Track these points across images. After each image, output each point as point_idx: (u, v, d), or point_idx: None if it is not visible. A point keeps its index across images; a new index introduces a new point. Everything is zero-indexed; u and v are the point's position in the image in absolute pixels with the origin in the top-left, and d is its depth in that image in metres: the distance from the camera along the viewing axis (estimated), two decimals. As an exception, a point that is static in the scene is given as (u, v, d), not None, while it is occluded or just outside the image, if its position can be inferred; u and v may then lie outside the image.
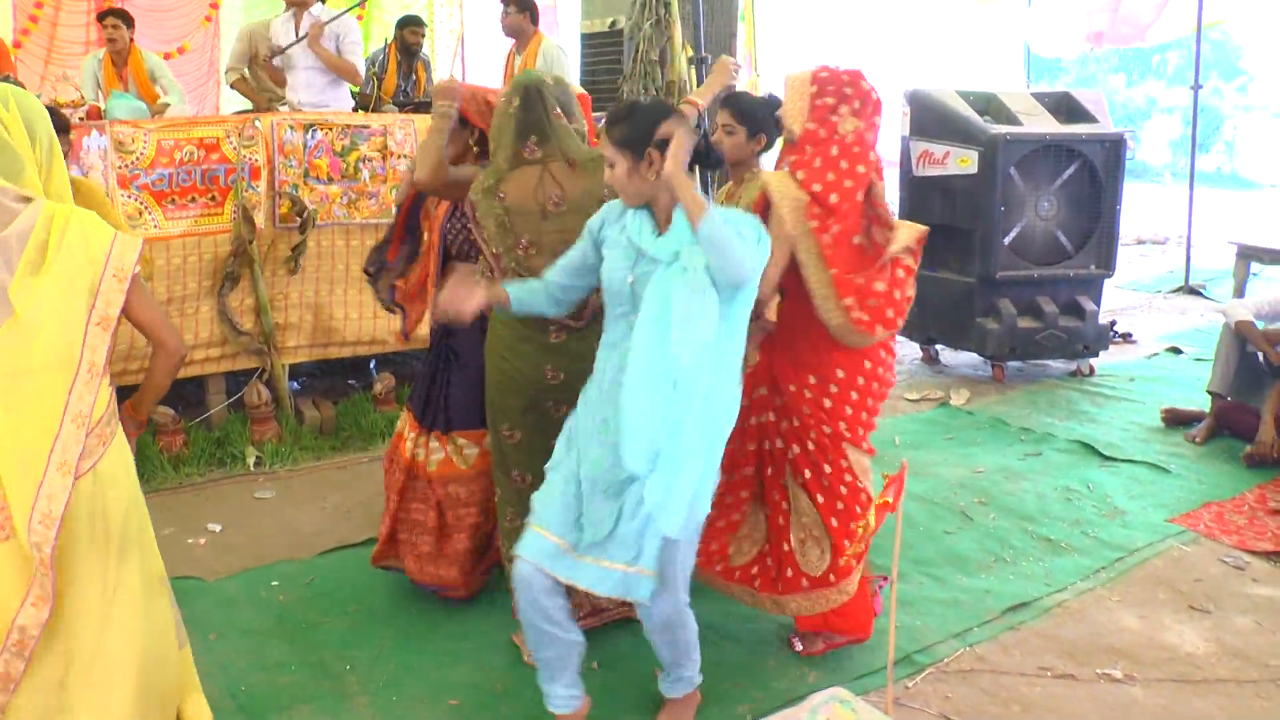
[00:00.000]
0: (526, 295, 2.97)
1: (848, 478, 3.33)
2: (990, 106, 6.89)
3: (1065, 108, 7.01)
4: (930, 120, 6.91)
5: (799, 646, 3.48)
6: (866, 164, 3.23)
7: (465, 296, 2.87)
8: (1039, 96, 7.13)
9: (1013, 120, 6.71)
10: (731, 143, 3.55)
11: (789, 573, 3.36)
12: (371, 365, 6.57)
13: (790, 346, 3.35)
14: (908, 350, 7.59)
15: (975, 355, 7.05)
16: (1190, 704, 3.22)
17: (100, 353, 2.33)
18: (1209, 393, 5.68)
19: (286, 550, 4.28)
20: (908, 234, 3.28)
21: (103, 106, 5.29)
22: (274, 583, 3.98)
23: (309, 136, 5.27)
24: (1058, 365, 7.10)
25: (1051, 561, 4.19)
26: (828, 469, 3.32)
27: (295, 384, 6.02)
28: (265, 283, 5.34)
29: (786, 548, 3.37)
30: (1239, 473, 5.13)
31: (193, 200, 5.06)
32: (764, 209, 3.30)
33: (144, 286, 2.47)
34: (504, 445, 3.38)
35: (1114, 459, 5.35)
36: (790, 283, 3.28)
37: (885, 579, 3.96)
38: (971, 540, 4.37)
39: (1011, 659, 3.48)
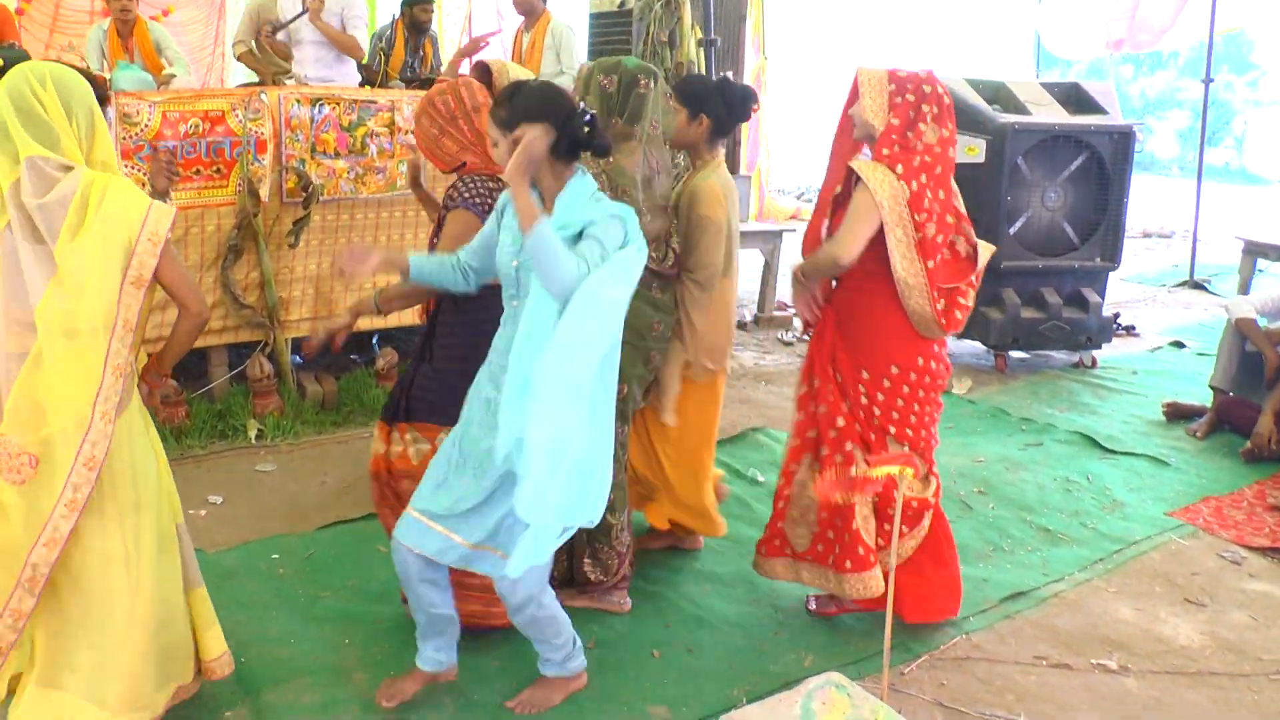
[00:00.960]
0: (430, 267, 2.99)
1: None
2: (999, 95, 6.86)
3: (1074, 98, 6.99)
4: (939, 108, 6.87)
5: (813, 605, 3.61)
6: (946, 185, 3.28)
7: (362, 257, 2.91)
8: (1048, 86, 7.11)
9: (1021, 110, 6.69)
10: (673, 124, 3.60)
11: (860, 550, 3.38)
12: (374, 340, 6.57)
13: (849, 336, 3.41)
14: (910, 338, 7.59)
15: (978, 344, 7.05)
16: (1183, 696, 3.24)
17: (134, 310, 2.54)
18: (1211, 387, 5.68)
19: (287, 524, 4.29)
20: (986, 252, 3.40)
21: (108, 77, 5.28)
22: (274, 555, 3.99)
23: (316, 111, 5.25)
24: (1060, 356, 7.10)
25: (1049, 552, 4.20)
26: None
27: (297, 358, 6.02)
28: (270, 257, 5.34)
29: (855, 524, 3.39)
30: (1239, 468, 5.14)
31: (197, 173, 5.05)
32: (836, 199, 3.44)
33: (174, 252, 2.63)
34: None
35: (1114, 451, 5.36)
36: (859, 269, 3.30)
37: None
38: (970, 529, 4.38)
39: (1007, 647, 3.49)
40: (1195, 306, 9.02)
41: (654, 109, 3.34)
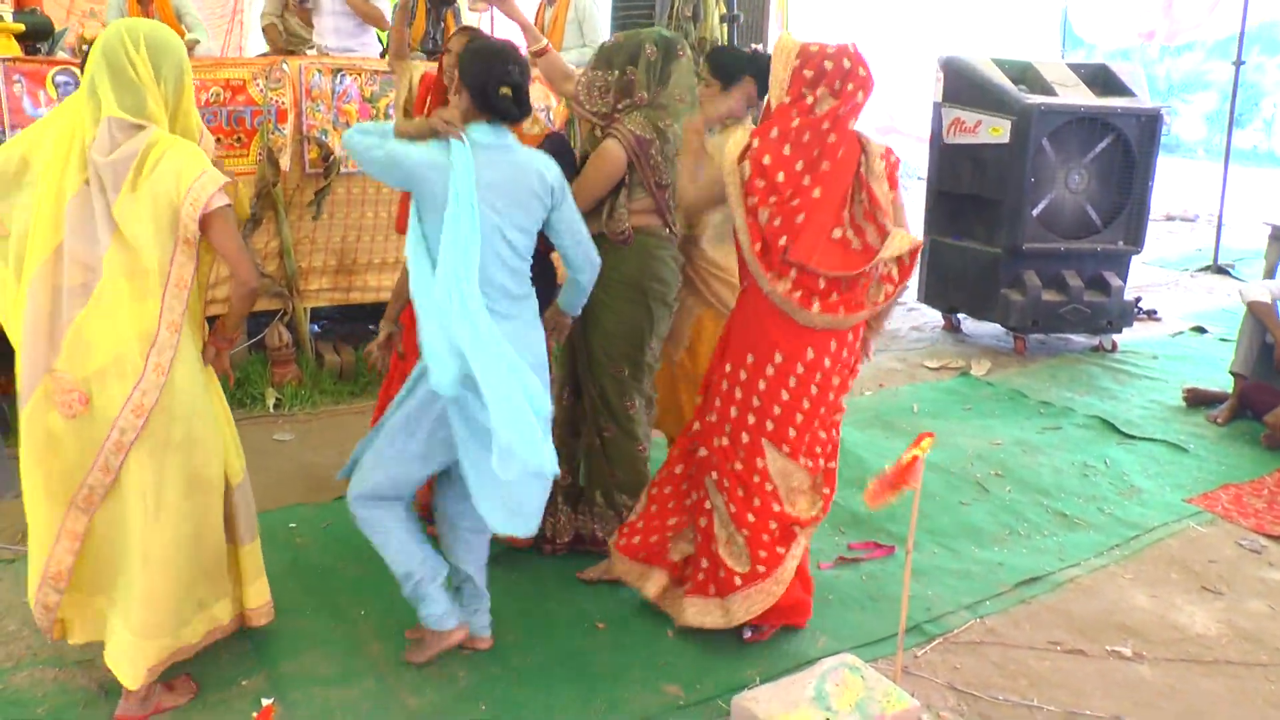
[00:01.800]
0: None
1: (756, 479, 3.20)
2: (1025, 76, 6.79)
3: (1102, 80, 6.91)
4: (963, 88, 6.82)
5: (748, 634, 3.31)
6: (832, 158, 3.02)
7: None
8: (1075, 67, 7.03)
9: (1048, 90, 6.62)
10: (705, 95, 3.66)
11: (721, 573, 3.23)
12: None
13: (739, 320, 3.23)
14: (929, 318, 7.56)
15: (997, 326, 7.01)
16: (1198, 684, 3.23)
17: (187, 269, 2.71)
18: (1232, 373, 5.63)
19: (304, 494, 4.31)
20: (901, 243, 3.08)
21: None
22: (291, 525, 4.02)
23: (337, 82, 5.24)
24: (1080, 340, 7.06)
25: (1065, 537, 4.19)
26: (738, 466, 3.21)
27: (315, 327, 6.03)
28: (290, 226, 5.34)
29: (714, 547, 3.25)
30: (1260, 455, 5.10)
31: (218, 141, 5.05)
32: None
33: (231, 220, 2.76)
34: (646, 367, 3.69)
35: (1133, 437, 5.32)
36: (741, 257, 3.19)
37: (892, 549, 3.99)
38: (986, 512, 4.36)
39: (1021, 632, 3.48)
40: (1218, 291, 8.94)
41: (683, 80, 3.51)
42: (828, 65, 3.00)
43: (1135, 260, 7.09)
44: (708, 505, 3.29)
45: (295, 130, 5.19)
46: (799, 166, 3.02)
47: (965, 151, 6.79)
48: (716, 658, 3.23)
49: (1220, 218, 9.80)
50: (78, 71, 4.64)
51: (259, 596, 3.12)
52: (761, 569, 3.18)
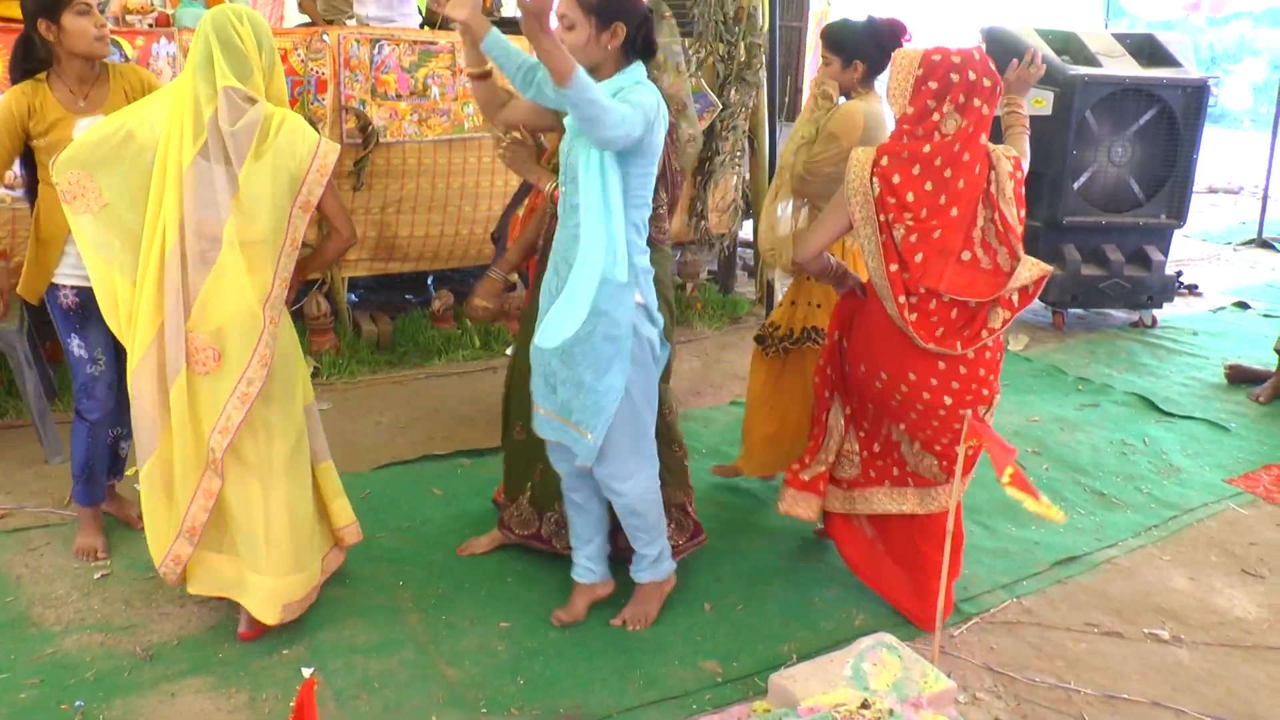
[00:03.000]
0: (501, 49, 2.85)
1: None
2: (1069, 46, 6.69)
3: (1147, 50, 6.80)
4: (1006, 58, 6.66)
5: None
6: (968, 175, 2.96)
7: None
8: (1120, 37, 6.92)
9: (1092, 61, 6.52)
10: (829, 73, 3.64)
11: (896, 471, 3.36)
12: (429, 282, 6.60)
13: (868, 335, 3.21)
14: (967, 292, 7.49)
15: (1036, 300, 6.92)
16: (1238, 669, 3.20)
17: (300, 231, 2.97)
18: (1276, 350, 5.56)
19: (341, 463, 4.26)
20: (1031, 270, 3.01)
21: (171, 14, 5.28)
22: (330, 495, 4.05)
23: (376, 51, 5.23)
24: (1119, 315, 6.99)
25: (1103, 516, 4.16)
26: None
27: (352, 296, 6.06)
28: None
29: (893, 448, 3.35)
30: (1302, 435, 5.04)
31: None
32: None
33: (334, 184, 3.04)
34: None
35: (1172, 415, 5.28)
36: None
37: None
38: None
39: (1058, 613, 3.47)
40: (1262, 266, 8.82)
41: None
42: (954, 77, 2.93)
43: (1176, 234, 6.99)
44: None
45: (334, 100, 5.20)
46: (928, 187, 2.97)
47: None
48: (753, 634, 3.25)
49: (1266, 190, 9.65)
50: (122, 42, 4.66)
51: (344, 514, 3.39)
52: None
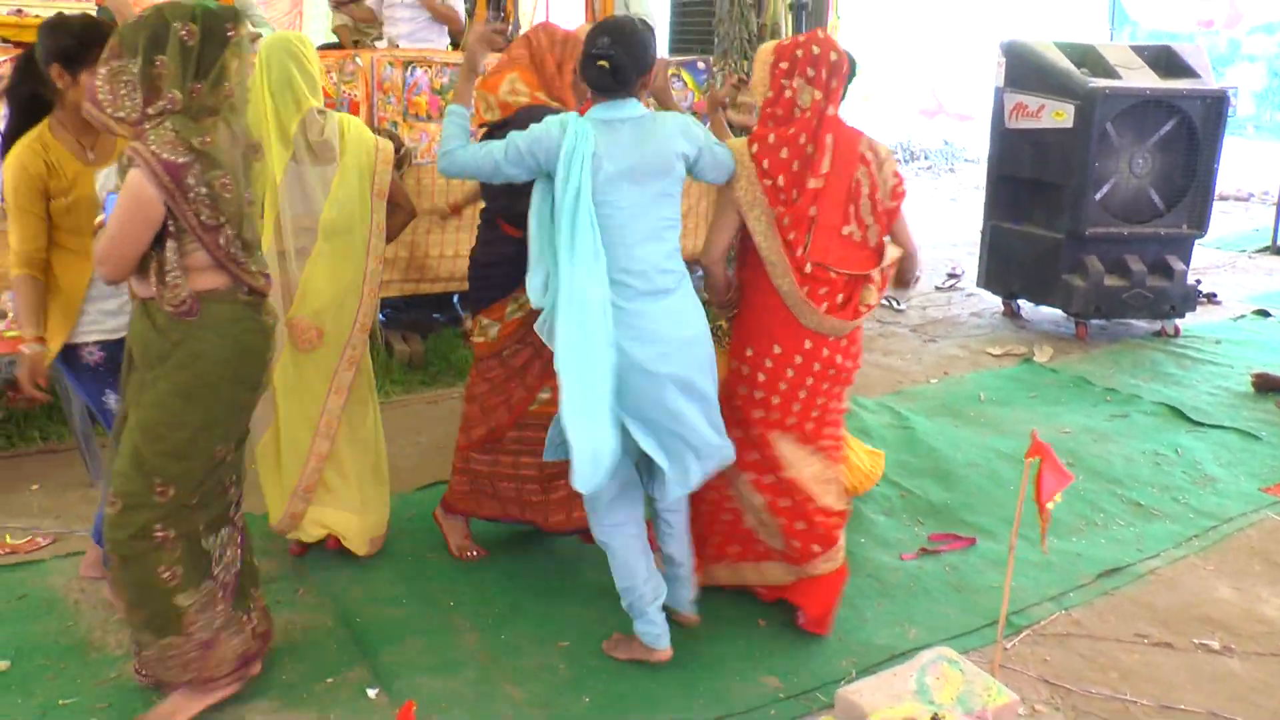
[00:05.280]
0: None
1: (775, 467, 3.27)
2: (1088, 59, 6.74)
3: (1165, 62, 6.85)
4: (1026, 72, 6.78)
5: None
6: (835, 155, 3.09)
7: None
8: (1138, 49, 6.97)
9: (1111, 74, 6.57)
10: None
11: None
12: (454, 300, 6.63)
13: (741, 317, 3.29)
14: (988, 304, 7.55)
15: (1056, 311, 6.98)
16: (1290, 679, 3.23)
17: (382, 214, 3.54)
18: (1302, 360, 5.60)
19: (385, 484, 4.37)
20: (894, 250, 3.26)
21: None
22: (377, 516, 4.08)
23: (408, 74, 5.28)
24: (1140, 325, 7.02)
25: (1143, 527, 4.19)
26: (755, 456, 3.27)
27: (381, 316, 6.09)
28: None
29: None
30: (1334, 443, 5.07)
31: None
32: None
33: (394, 172, 3.59)
34: None
35: (1202, 424, 5.30)
36: (744, 252, 3.26)
37: (972, 540, 4.01)
38: (1061, 502, 4.35)
39: (1107, 625, 3.50)
40: (1278, 273, 8.85)
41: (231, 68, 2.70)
42: (799, 53, 3.12)
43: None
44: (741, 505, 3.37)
45: (367, 122, 5.24)
46: (795, 167, 3.10)
47: (1027, 136, 6.76)
48: (810, 649, 3.28)
49: (1280, 197, 9.69)
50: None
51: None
52: (816, 548, 3.29)
